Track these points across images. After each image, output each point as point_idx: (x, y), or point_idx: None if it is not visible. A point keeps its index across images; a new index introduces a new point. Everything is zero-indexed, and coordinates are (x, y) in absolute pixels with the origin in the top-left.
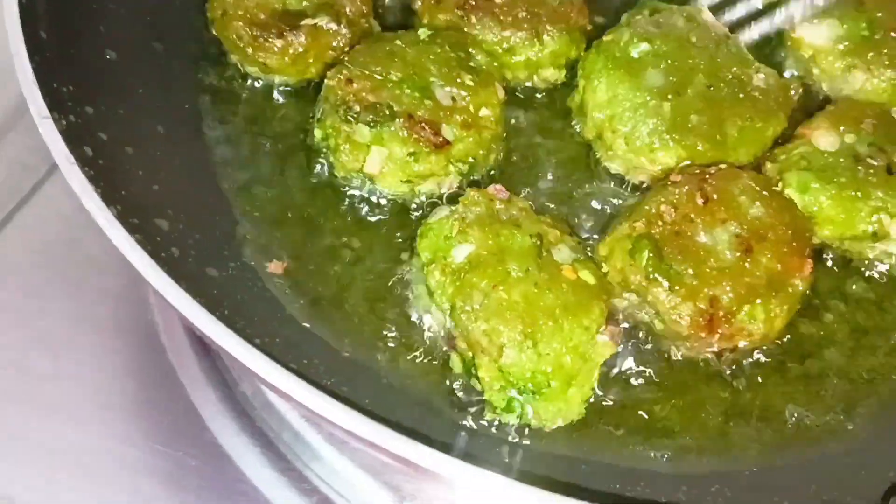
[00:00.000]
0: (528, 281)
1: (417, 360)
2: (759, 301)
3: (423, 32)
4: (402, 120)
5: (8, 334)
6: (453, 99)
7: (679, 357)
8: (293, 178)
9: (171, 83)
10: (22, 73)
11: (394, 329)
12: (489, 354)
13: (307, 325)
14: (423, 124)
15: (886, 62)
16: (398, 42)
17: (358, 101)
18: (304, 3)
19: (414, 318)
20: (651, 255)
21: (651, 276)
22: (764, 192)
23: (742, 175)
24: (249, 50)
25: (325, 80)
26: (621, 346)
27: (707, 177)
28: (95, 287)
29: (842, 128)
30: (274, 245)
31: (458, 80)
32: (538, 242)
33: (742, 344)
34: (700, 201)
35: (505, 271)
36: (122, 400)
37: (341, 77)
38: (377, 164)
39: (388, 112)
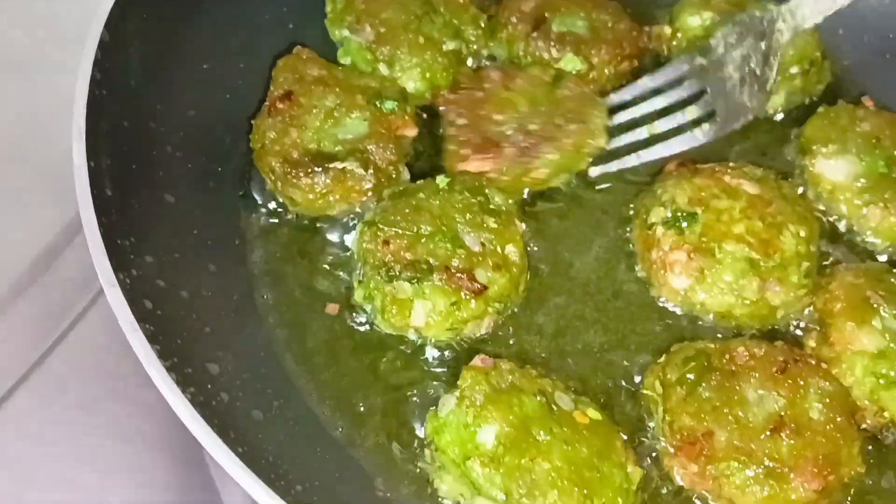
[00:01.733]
0: (558, 441)
1: None
2: (746, 469)
3: (441, 181)
4: (440, 273)
5: (57, 449)
6: (482, 244)
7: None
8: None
9: (221, 220)
10: (92, 240)
11: None
12: None
13: (346, 459)
14: (460, 274)
15: None
16: (421, 195)
17: (397, 261)
18: (338, 148)
19: None
20: (696, 369)
21: (679, 382)
22: (838, 407)
23: (832, 380)
24: (279, 184)
25: (362, 245)
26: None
27: (798, 359)
28: (143, 403)
29: None
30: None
31: (484, 225)
32: (544, 399)
33: None
34: (774, 369)
35: (535, 440)
36: None
37: (378, 239)
38: (422, 317)
39: (426, 267)
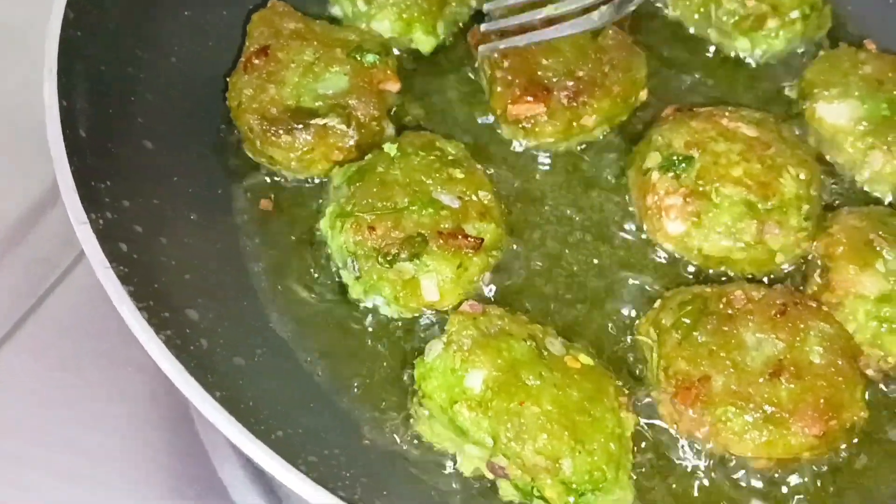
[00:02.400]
0: (548, 386)
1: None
2: (744, 414)
3: (389, 148)
4: (435, 241)
5: (42, 406)
6: (460, 198)
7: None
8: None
9: (203, 169)
10: (62, 178)
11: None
12: (551, 473)
13: (331, 408)
14: (454, 234)
15: None
16: (379, 168)
17: (390, 244)
18: (318, 104)
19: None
20: (692, 313)
21: (675, 326)
22: (839, 350)
23: (832, 323)
24: (258, 142)
25: (347, 239)
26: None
27: (797, 301)
28: (127, 359)
29: None
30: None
31: (452, 178)
32: (534, 344)
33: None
34: (773, 313)
35: (524, 385)
36: (152, 471)
37: (363, 227)
38: (434, 291)
39: (420, 239)
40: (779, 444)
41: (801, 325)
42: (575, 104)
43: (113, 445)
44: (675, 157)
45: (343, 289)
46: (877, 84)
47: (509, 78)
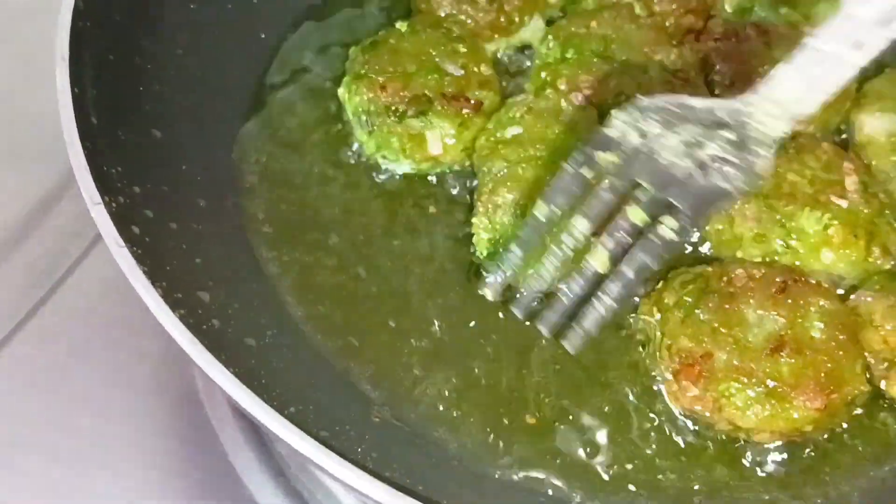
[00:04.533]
0: (549, 169)
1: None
2: (747, 389)
3: (401, 25)
4: (438, 101)
5: (52, 394)
6: (462, 68)
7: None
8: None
9: (209, 157)
10: (75, 160)
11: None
12: (485, 207)
13: (342, 386)
14: (456, 97)
15: None
16: (391, 41)
17: (399, 101)
18: None
19: None
20: (694, 292)
21: (677, 305)
22: (840, 325)
23: (832, 299)
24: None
25: (361, 97)
26: None
27: (797, 278)
28: (137, 348)
29: None
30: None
31: (456, 51)
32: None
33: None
34: (774, 290)
35: (534, 156)
36: (162, 458)
37: (375, 87)
38: (438, 145)
39: (425, 99)
40: (781, 417)
41: (801, 302)
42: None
43: (120, 431)
44: None
45: None
46: None
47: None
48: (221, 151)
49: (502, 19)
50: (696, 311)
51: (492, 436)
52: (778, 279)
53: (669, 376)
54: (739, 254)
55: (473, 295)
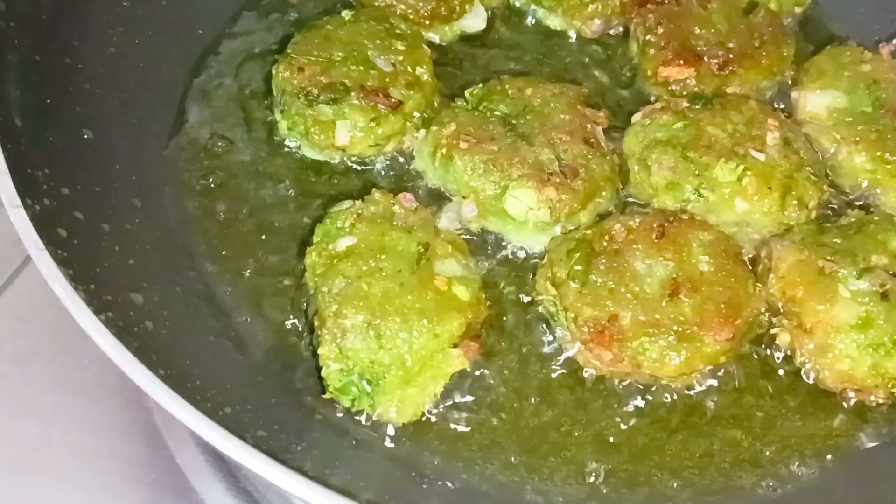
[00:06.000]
0: (395, 280)
1: None
2: (659, 340)
3: (346, 14)
4: (356, 92)
5: None
6: (393, 65)
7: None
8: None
9: (144, 155)
10: None
11: None
12: (332, 334)
13: (283, 386)
14: (375, 91)
15: (873, 139)
16: (329, 27)
17: (314, 85)
18: None
19: None
20: (582, 259)
21: (570, 276)
22: (723, 253)
23: (709, 229)
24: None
25: (279, 76)
26: (472, 365)
27: (672, 219)
28: (80, 353)
29: None
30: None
31: (392, 48)
32: (423, 251)
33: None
34: (654, 236)
35: (376, 268)
36: (109, 462)
37: (293, 67)
38: (346, 136)
39: (342, 88)
40: (696, 357)
41: (682, 241)
42: (724, 72)
43: (67, 437)
44: None
45: None
46: (870, 82)
47: (663, 43)
48: (156, 149)
49: (443, 9)
50: (591, 277)
51: None
52: (655, 224)
53: (583, 347)
54: (655, 202)
55: None
